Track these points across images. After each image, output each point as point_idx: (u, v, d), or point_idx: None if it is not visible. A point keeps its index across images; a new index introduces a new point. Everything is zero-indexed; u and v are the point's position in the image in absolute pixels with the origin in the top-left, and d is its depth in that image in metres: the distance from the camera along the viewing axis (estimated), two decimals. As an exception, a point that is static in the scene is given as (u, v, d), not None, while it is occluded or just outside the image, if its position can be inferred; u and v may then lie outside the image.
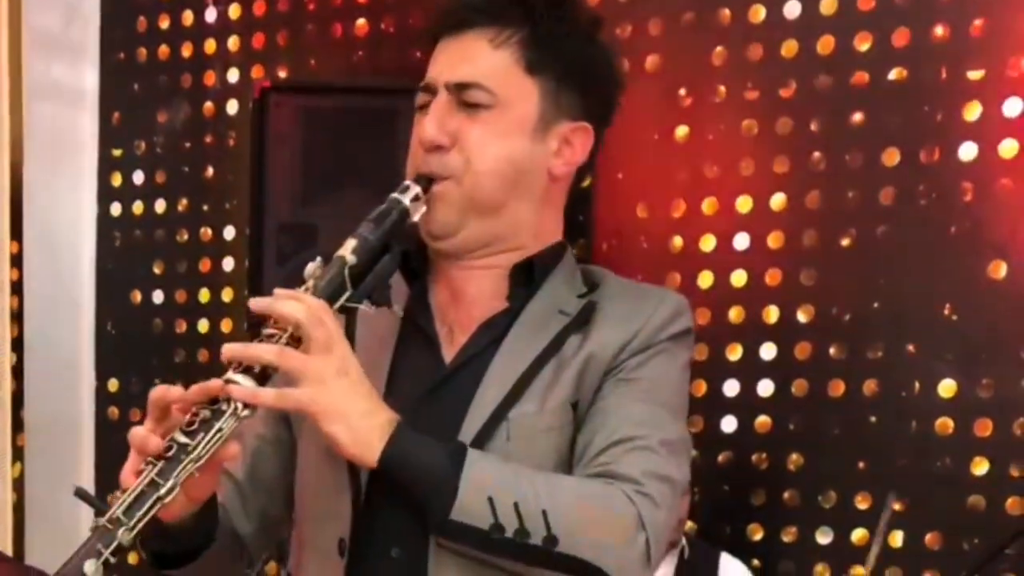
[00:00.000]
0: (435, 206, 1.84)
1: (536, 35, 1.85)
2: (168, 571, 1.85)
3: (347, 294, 1.74)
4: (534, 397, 1.81)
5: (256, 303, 1.69)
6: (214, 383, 1.66)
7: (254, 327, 1.78)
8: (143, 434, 1.67)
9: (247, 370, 1.65)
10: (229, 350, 1.67)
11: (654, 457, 1.78)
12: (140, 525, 1.61)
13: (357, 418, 1.68)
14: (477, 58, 1.84)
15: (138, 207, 5.14)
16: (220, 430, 1.64)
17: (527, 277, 1.90)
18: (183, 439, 1.63)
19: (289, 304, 1.68)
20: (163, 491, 1.62)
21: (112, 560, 1.59)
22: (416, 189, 1.82)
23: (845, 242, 4.07)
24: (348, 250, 1.75)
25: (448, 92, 1.85)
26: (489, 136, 1.84)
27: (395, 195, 1.82)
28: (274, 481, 1.98)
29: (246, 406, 1.65)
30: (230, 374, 1.66)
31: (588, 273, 1.97)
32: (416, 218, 1.82)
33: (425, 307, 1.93)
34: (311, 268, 1.75)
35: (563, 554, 1.70)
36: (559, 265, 1.94)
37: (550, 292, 1.90)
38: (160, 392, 1.67)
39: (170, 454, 1.63)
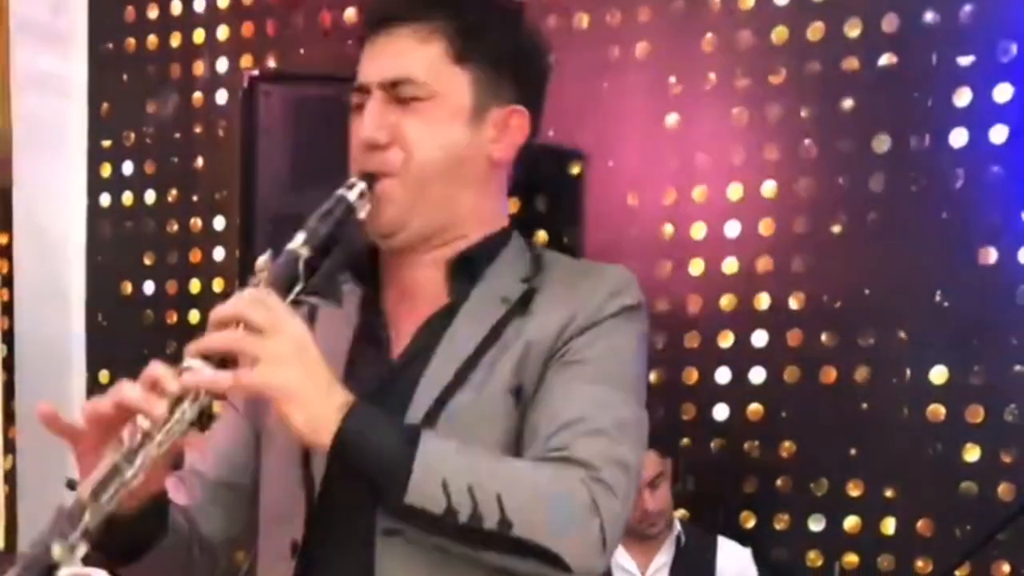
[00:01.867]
0: (380, 204, 1.83)
1: (462, 27, 1.86)
2: (116, 566, 1.85)
3: (299, 287, 1.75)
4: (473, 386, 1.80)
5: (210, 319, 1.70)
6: (168, 378, 1.66)
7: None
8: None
9: (208, 359, 1.66)
10: (192, 348, 1.67)
11: (606, 440, 1.76)
12: (106, 510, 1.62)
13: (312, 399, 1.67)
14: (405, 54, 1.86)
15: (128, 198, 5.13)
16: (181, 415, 1.64)
17: (468, 270, 1.90)
18: (146, 425, 1.64)
19: (223, 307, 1.68)
20: (128, 475, 1.63)
21: (78, 544, 1.59)
22: (361, 186, 1.82)
23: (836, 229, 4.08)
24: (299, 243, 1.75)
25: (382, 90, 1.85)
26: (426, 128, 1.84)
27: (341, 192, 1.81)
28: (241, 481, 1.98)
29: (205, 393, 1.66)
30: (186, 361, 1.66)
31: (539, 258, 1.95)
32: (362, 215, 1.81)
33: (376, 311, 1.93)
34: (261, 261, 1.75)
35: (517, 538, 1.68)
36: (502, 253, 1.93)
37: (492, 281, 1.89)
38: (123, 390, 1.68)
39: (136, 440, 1.64)
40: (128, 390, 1.65)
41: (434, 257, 1.91)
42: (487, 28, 1.89)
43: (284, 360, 1.67)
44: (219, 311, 1.69)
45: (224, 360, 1.67)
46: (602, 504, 1.72)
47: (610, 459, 1.75)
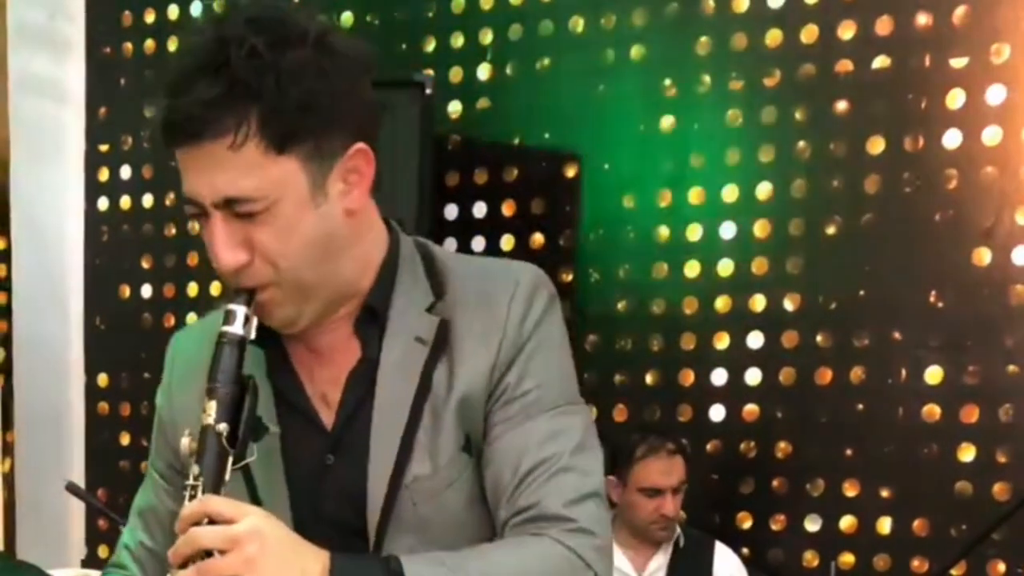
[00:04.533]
0: (267, 311, 1.77)
1: (268, 111, 1.69)
2: None
3: (231, 458, 1.71)
4: (423, 455, 1.76)
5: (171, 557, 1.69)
6: None
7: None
8: None
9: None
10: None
11: (571, 478, 1.73)
12: None
13: None
14: (226, 168, 1.72)
15: (125, 202, 5.14)
16: None
17: (373, 319, 1.85)
18: None
19: (178, 545, 1.64)
20: None
21: None
22: (243, 311, 1.74)
23: (831, 230, 4.09)
24: (213, 418, 1.69)
25: (218, 208, 1.74)
26: (279, 235, 1.73)
27: (226, 329, 1.74)
28: None
29: None
30: None
31: (432, 267, 1.86)
32: (253, 335, 1.75)
33: (289, 373, 1.88)
34: (185, 444, 1.71)
35: None
36: (397, 284, 1.84)
37: (399, 322, 1.82)
38: None
39: None
40: None
41: (337, 318, 1.86)
42: (293, 95, 1.69)
43: (253, 572, 1.63)
44: (176, 551, 1.65)
45: None
46: (588, 555, 1.72)
47: (580, 498, 1.74)
